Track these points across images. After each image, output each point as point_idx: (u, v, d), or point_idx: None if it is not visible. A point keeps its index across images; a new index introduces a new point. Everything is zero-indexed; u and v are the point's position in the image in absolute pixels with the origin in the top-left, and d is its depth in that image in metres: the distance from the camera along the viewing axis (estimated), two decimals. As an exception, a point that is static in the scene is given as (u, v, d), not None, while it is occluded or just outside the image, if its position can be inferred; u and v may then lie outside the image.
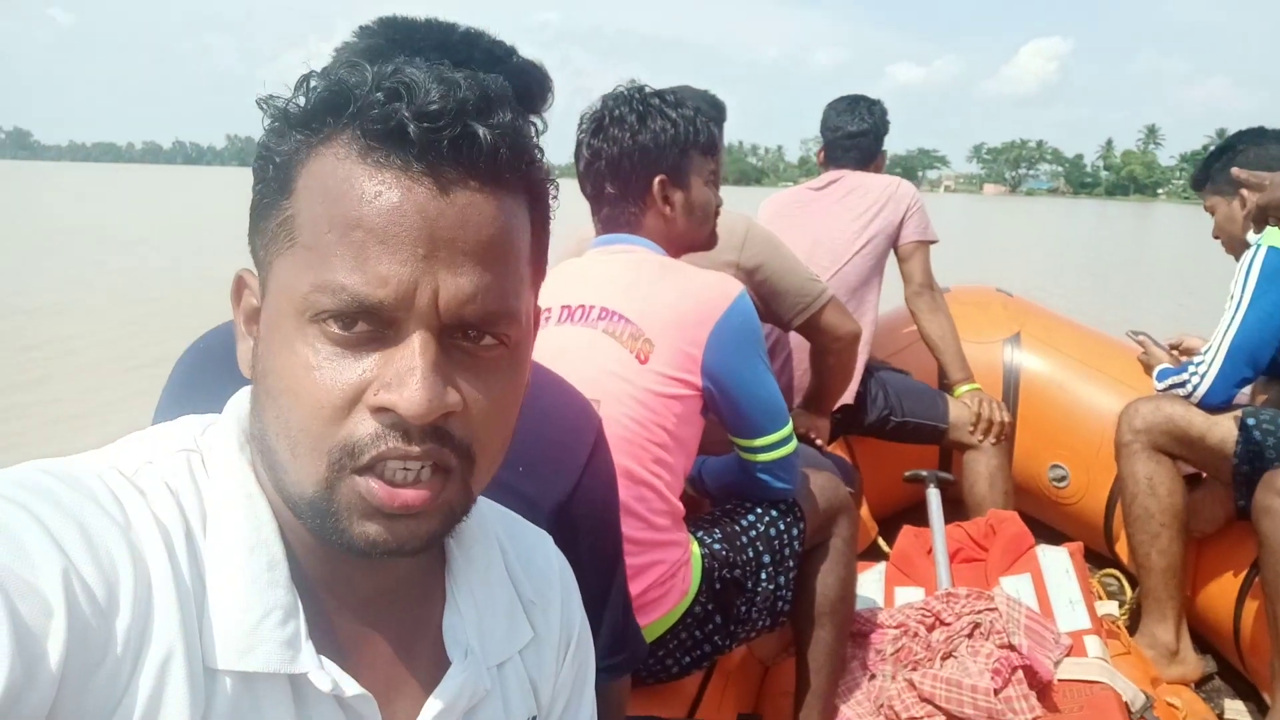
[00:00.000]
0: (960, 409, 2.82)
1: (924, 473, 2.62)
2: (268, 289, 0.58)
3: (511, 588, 0.74)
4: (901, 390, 2.86)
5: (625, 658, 1.07)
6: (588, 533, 1.00)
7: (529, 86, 1.08)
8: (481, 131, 0.55)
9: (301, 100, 0.57)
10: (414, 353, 0.54)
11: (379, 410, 0.54)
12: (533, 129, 0.60)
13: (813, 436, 2.48)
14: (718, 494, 1.80)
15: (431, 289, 0.54)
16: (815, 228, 2.83)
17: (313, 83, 0.58)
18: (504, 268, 0.58)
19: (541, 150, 0.62)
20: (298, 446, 0.56)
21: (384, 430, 0.54)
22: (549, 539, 0.81)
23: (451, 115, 0.55)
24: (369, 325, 0.55)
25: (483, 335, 0.58)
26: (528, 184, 0.61)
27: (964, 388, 2.87)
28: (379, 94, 0.55)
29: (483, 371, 0.58)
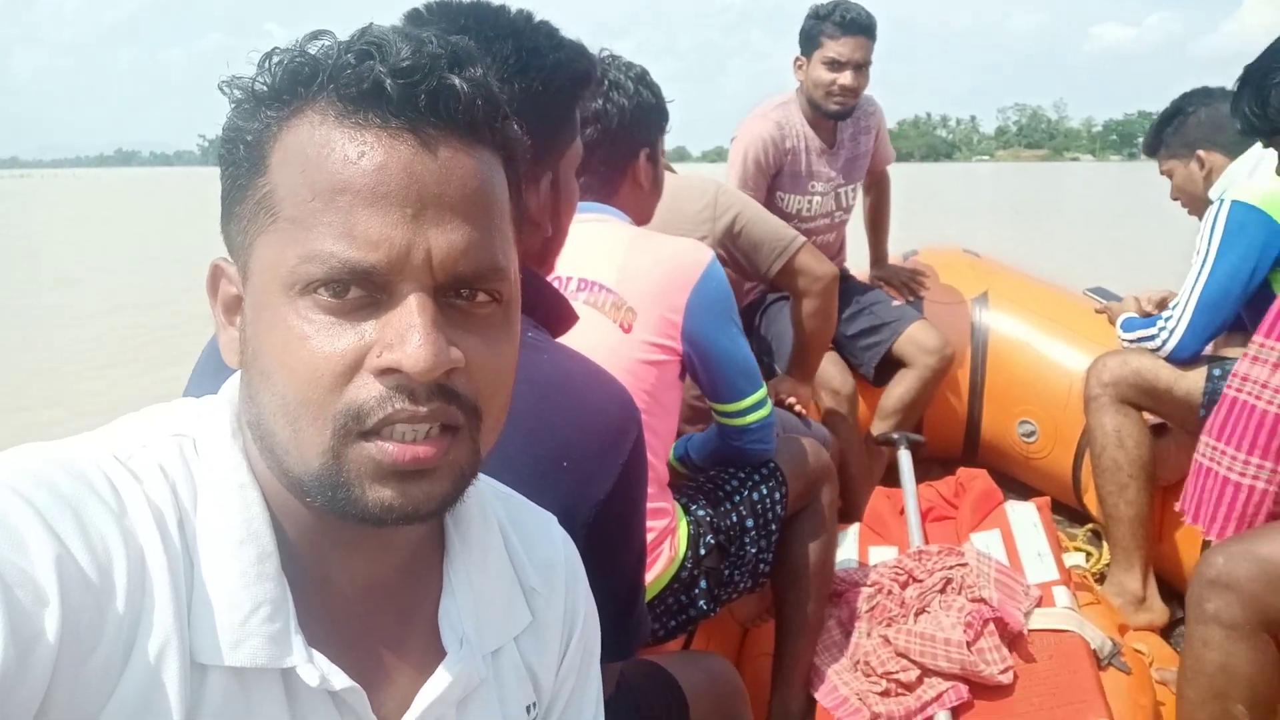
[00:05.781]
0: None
1: (894, 435, 2.65)
2: (250, 271, 0.57)
3: (512, 572, 0.72)
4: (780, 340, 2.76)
5: (635, 642, 1.07)
6: (622, 527, 1.00)
7: (587, 69, 1.07)
8: (457, 83, 0.55)
9: (268, 77, 0.56)
10: (412, 311, 0.54)
11: (383, 372, 0.54)
12: (496, 87, 0.60)
13: (792, 402, 2.48)
14: (705, 465, 1.81)
15: (424, 248, 0.54)
16: None
17: (276, 58, 0.57)
18: (490, 223, 0.58)
19: (510, 109, 0.61)
20: (299, 420, 0.54)
21: (390, 392, 0.54)
22: (554, 521, 0.80)
23: (426, 70, 0.54)
24: (362, 291, 0.54)
25: (476, 293, 0.57)
26: (503, 141, 0.60)
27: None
28: (349, 56, 0.54)
29: (480, 329, 0.58)
